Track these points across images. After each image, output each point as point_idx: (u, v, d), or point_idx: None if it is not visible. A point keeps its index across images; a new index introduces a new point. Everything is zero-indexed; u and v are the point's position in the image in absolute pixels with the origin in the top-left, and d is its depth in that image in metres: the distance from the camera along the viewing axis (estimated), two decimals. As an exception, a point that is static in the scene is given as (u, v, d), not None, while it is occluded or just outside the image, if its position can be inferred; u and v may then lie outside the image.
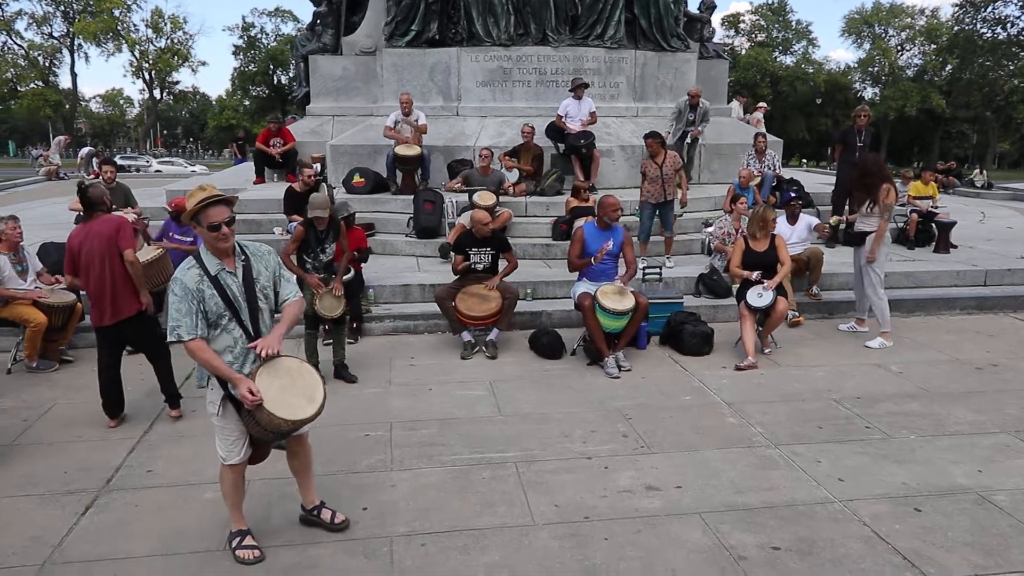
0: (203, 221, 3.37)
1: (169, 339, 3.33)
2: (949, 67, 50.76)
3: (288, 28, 58.73)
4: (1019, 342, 7.36)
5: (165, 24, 54.24)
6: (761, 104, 17.73)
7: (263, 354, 3.39)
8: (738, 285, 6.97)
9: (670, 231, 9.01)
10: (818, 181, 14.02)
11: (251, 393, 3.28)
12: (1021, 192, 21.09)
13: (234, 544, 3.62)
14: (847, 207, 8.59)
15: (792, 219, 8.38)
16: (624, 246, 6.69)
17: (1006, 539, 3.77)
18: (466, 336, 6.90)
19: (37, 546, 3.72)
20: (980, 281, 9.06)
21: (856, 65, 57.56)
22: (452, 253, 7.33)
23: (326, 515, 3.88)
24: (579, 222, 8.01)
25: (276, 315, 3.67)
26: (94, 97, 78.69)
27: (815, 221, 8.51)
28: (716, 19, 31.23)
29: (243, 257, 3.51)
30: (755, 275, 6.70)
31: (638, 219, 9.26)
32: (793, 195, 9.17)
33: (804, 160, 53.62)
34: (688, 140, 11.55)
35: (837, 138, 10.55)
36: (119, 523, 3.96)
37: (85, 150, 28.50)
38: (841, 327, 7.20)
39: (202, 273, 3.36)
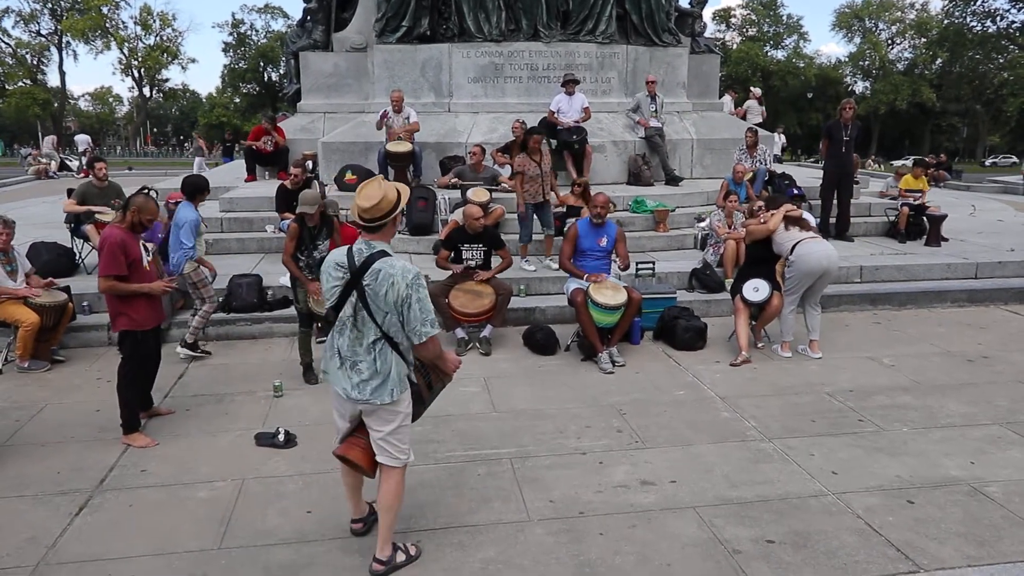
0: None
1: (430, 333, 3.26)
2: (939, 60, 51.06)
3: (278, 25, 58.61)
4: (1010, 334, 7.41)
5: (154, 21, 53.94)
6: (753, 90, 17.46)
7: None
8: (731, 280, 6.98)
9: (551, 229, 8.62)
10: (809, 175, 14.06)
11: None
12: (1012, 185, 21.20)
13: (415, 552, 3.58)
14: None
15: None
16: (617, 242, 6.72)
17: (999, 530, 3.80)
18: (460, 333, 6.89)
19: (31, 547, 3.71)
20: (971, 274, 9.10)
21: (847, 59, 57.78)
22: (441, 248, 7.29)
23: (400, 557, 3.59)
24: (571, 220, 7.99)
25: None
26: (83, 95, 78.35)
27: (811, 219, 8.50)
28: (707, 14, 31.35)
29: None
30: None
31: (634, 213, 9.22)
32: (796, 192, 9.18)
33: (793, 154, 53.75)
34: (644, 134, 11.62)
35: (824, 132, 10.58)
36: (113, 523, 3.94)
37: (81, 137, 28.30)
38: (799, 348, 6.94)
39: None
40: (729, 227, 8.60)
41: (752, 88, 17.26)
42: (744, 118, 16.84)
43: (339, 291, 3.31)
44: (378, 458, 3.46)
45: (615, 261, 6.85)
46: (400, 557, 3.51)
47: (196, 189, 6.46)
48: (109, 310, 5.01)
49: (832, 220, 10.49)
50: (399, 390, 3.35)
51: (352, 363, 3.34)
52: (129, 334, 4.98)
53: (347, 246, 3.38)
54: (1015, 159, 48.25)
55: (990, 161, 48.67)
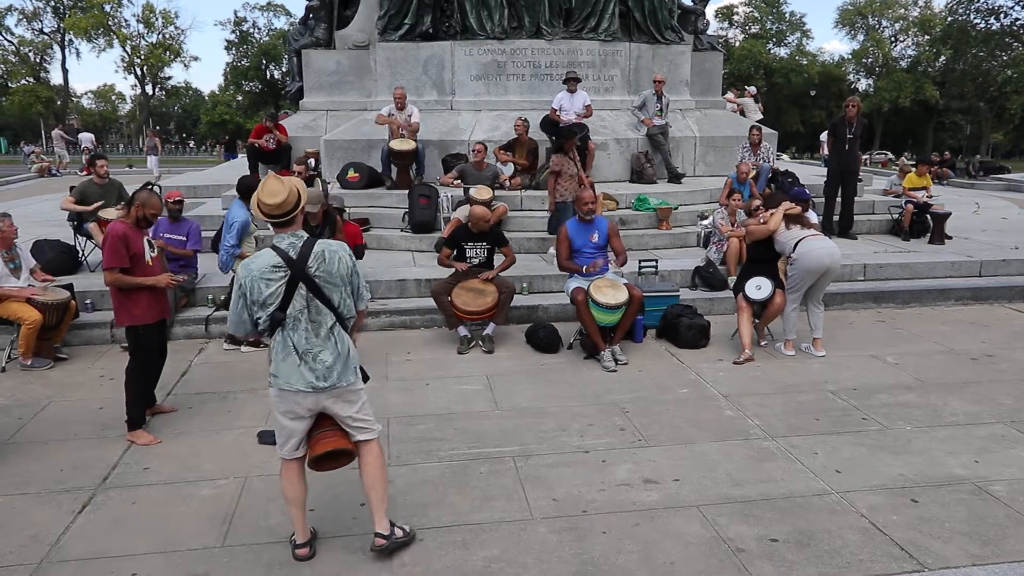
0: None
1: (370, 297, 3.65)
2: (943, 58, 50.85)
3: (280, 22, 58.63)
4: (1014, 332, 7.39)
5: (156, 19, 53.94)
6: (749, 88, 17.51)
7: None
8: (735, 277, 6.97)
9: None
10: (813, 173, 14.05)
11: None
12: (1016, 183, 21.13)
13: (409, 530, 3.70)
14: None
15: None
16: (611, 237, 6.68)
17: (1003, 528, 3.79)
18: (462, 331, 6.88)
19: (34, 544, 3.71)
20: (975, 272, 9.08)
21: (850, 56, 57.59)
22: (444, 246, 7.28)
23: (399, 533, 3.67)
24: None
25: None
26: (86, 93, 78.49)
27: (813, 217, 8.49)
28: (710, 11, 31.19)
29: None
30: None
31: (637, 211, 9.10)
32: (808, 195, 9.16)
33: (795, 153, 53.57)
34: (647, 133, 11.60)
35: (828, 129, 10.54)
36: (116, 521, 3.94)
37: (84, 135, 28.39)
38: (802, 346, 6.99)
39: None
40: (732, 225, 8.59)
41: (747, 87, 17.28)
42: (742, 114, 16.83)
43: (284, 290, 3.33)
44: (356, 437, 3.57)
45: (613, 261, 6.81)
46: (399, 533, 3.60)
47: (250, 189, 6.41)
48: (113, 305, 5.02)
49: (835, 218, 10.47)
50: (357, 366, 3.54)
51: (313, 355, 3.38)
52: (131, 329, 5.00)
53: (267, 248, 3.42)
54: (891, 155, 46.82)
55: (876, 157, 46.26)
